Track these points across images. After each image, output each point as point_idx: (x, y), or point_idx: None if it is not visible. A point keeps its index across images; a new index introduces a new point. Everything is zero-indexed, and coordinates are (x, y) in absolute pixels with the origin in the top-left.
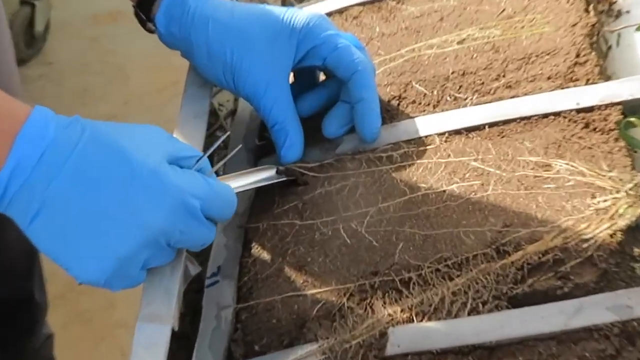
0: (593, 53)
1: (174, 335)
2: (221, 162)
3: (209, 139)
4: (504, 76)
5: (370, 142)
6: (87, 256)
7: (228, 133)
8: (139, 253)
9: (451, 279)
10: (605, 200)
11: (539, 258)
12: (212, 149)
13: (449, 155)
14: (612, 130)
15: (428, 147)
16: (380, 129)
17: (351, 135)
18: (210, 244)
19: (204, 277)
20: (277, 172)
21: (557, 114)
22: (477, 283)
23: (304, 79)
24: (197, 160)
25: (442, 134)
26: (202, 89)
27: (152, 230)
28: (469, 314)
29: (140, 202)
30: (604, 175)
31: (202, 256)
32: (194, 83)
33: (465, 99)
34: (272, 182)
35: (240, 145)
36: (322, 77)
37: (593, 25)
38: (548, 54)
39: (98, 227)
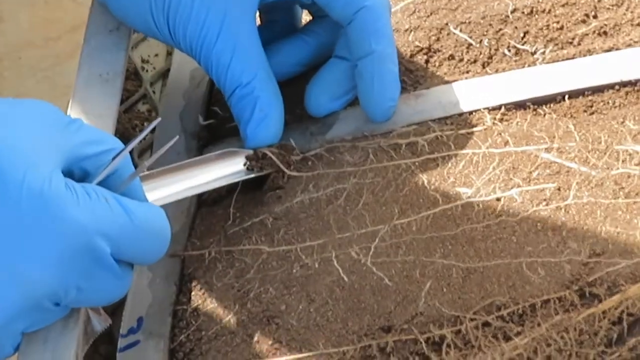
0: None
1: None
2: (147, 161)
3: (127, 114)
4: (595, 16)
5: (381, 122)
6: None
7: (158, 120)
8: (13, 322)
9: (508, 339)
10: None
11: None
12: (134, 142)
13: (506, 143)
14: None
15: (474, 129)
16: (398, 101)
17: (350, 111)
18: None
19: (117, 335)
20: (246, 162)
21: None
22: (548, 345)
23: (277, 21)
24: (111, 160)
25: (496, 108)
26: (114, 37)
27: (33, 291)
28: None
29: (16, 248)
30: None
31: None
32: (101, 28)
33: (534, 52)
34: (234, 180)
35: (177, 137)
36: (305, 18)
37: None
38: None
39: None
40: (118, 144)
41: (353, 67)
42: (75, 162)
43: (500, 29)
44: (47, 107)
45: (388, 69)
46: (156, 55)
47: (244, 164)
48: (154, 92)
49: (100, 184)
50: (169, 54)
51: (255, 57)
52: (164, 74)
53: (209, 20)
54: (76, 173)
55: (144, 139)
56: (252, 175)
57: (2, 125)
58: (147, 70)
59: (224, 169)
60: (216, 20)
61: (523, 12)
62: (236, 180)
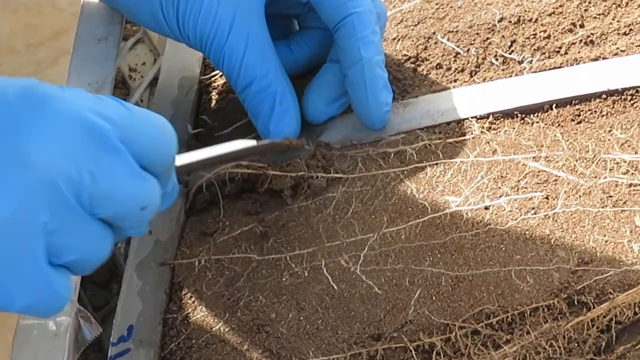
0: None
1: None
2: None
3: None
4: (581, 26)
5: (374, 129)
6: None
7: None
8: (30, 208)
9: (497, 347)
10: None
11: (635, 314)
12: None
13: (494, 152)
14: None
15: (462, 138)
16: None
17: (338, 119)
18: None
19: (107, 344)
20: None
21: None
22: (537, 353)
23: (274, 28)
24: None
25: (484, 117)
26: (102, 46)
27: (38, 166)
28: None
29: (7, 128)
30: None
31: (103, 310)
32: (90, 37)
33: (521, 61)
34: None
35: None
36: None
37: None
38: None
39: None
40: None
41: (344, 74)
42: None
43: (488, 38)
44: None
45: (378, 74)
46: (144, 63)
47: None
48: (141, 100)
49: None
50: (156, 62)
51: (269, 51)
52: (152, 83)
53: (221, 13)
54: None
55: None
56: (259, 144)
57: None
58: (134, 79)
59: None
60: (228, 13)
61: (510, 21)
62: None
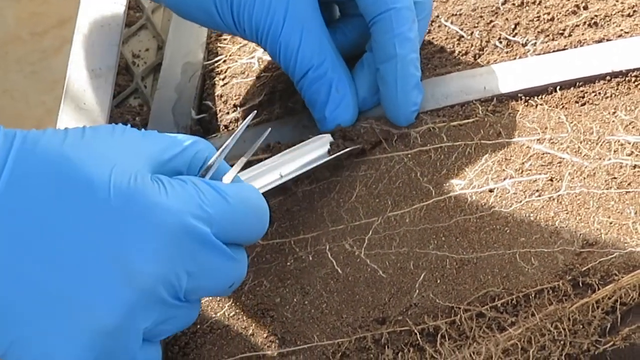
0: None
1: None
2: (239, 163)
3: (118, 109)
4: (585, 7)
5: (402, 125)
6: (53, 336)
7: (254, 113)
8: (132, 319)
9: (502, 330)
10: None
11: None
12: (235, 135)
13: (498, 134)
14: None
15: (466, 121)
16: None
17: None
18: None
19: None
20: (333, 143)
21: None
22: (542, 335)
23: None
24: (205, 163)
25: (489, 99)
26: (105, 32)
27: (144, 282)
28: None
29: (114, 244)
30: None
31: None
32: (92, 23)
33: (525, 44)
34: (318, 163)
35: (269, 129)
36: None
37: None
38: None
39: (56, 293)
40: (203, 142)
41: (376, 70)
42: (161, 165)
43: (491, 21)
44: (123, 126)
45: (411, 73)
46: (147, 49)
47: (331, 146)
48: (145, 86)
49: None
50: (160, 48)
51: (325, 38)
52: (155, 69)
53: (274, 4)
54: (167, 175)
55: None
56: (335, 156)
57: (89, 144)
58: (138, 65)
59: (309, 156)
60: (282, 3)
61: (514, 4)
62: (320, 162)
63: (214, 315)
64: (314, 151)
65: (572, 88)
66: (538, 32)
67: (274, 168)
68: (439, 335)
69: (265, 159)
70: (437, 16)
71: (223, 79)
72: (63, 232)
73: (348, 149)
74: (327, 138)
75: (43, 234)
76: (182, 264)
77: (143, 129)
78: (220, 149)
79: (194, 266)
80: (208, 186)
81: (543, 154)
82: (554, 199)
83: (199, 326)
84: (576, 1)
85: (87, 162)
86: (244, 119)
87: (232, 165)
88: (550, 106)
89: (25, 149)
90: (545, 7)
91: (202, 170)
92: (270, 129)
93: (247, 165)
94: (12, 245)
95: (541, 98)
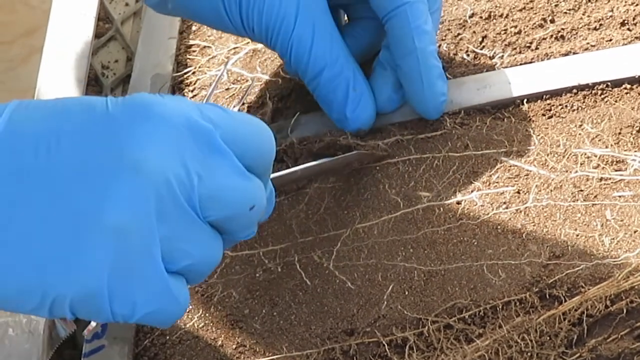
0: None
1: None
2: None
3: None
4: (552, 21)
5: (433, 118)
6: (67, 242)
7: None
8: (147, 215)
9: (470, 341)
10: None
11: (607, 307)
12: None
13: (466, 147)
14: None
15: (433, 133)
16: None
17: (311, 115)
18: None
19: (81, 341)
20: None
21: (636, 81)
22: (509, 347)
23: None
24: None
25: (456, 113)
26: (75, 43)
27: (151, 172)
28: None
29: (116, 143)
30: None
31: None
32: (61, 34)
33: (492, 57)
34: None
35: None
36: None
37: None
38: None
39: (74, 186)
40: None
41: (394, 67)
42: None
43: (459, 34)
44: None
45: (433, 64)
46: (116, 61)
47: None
48: (115, 96)
49: None
50: (129, 59)
51: (336, 37)
52: (125, 80)
53: (285, 3)
54: None
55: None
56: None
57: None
58: (107, 76)
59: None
60: (292, 3)
61: (481, 17)
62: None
63: (183, 327)
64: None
65: (539, 101)
66: (505, 45)
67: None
68: (407, 347)
69: None
70: None
71: (192, 91)
72: (65, 149)
73: (351, 154)
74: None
75: (46, 157)
76: (190, 161)
77: None
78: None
79: (203, 168)
80: (208, 104)
81: (510, 166)
82: (521, 211)
83: (168, 337)
84: (543, 14)
85: (83, 98)
86: None
87: None
88: (517, 119)
89: (22, 102)
90: (512, 20)
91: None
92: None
93: None
94: (17, 178)
95: (508, 111)
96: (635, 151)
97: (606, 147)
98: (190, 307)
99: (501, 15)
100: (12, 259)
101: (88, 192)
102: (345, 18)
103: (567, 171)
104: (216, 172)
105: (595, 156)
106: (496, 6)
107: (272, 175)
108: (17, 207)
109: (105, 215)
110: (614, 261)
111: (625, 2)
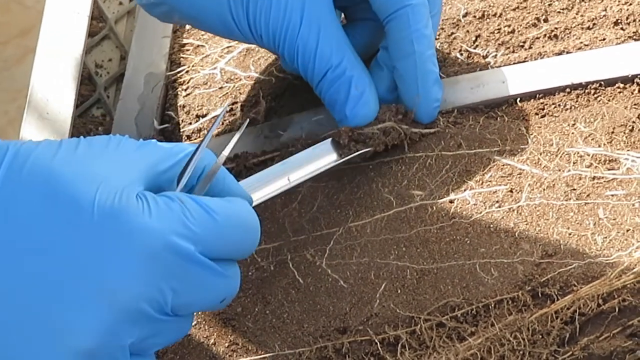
0: None
1: None
2: (225, 152)
3: (81, 119)
4: (545, 20)
5: (425, 122)
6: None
7: (225, 106)
8: (114, 336)
9: (462, 340)
10: None
11: (599, 305)
12: (207, 138)
13: (459, 146)
14: None
15: (427, 131)
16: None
17: (304, 115)
18: None
19: None
20: (345, 147)
21: (629, 80)
22: (502, 345)
23: None
24: (188, 164)
25: (449, 112)
26: (68, 42)
27: (123, 301)
28: None
29: (96, 264)
30: None
31: None
32: (54, 33)
33: (485, 56)
34: (328, 167)
35: (248, 120)
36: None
37: None
38: None
39: (37, 308)
40: (192, 147)
41: (392, 69)
42: (156, 177)
43: (452, 33)
44: (119, 137)
45: (430, 69)
46: (110, 60)
47: (341, 149)
48: (108, 96)
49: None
50: (123, 58)
51: (341, 37)
52: (118, 79)
53: (290, 7)
54: (162, 187)
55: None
56: (346, 159)
57: (75, 152)
58: (101, 75)
59: (317, 161)
60: (297, 5)
61: (475, 16)
62: (330, 166)
63: None
64: (323, 156)
65: (532, 100)
66: (499, 44)
67: (282, 173)
68: (400, 345)
69: (233, 168)
70: None
71: (185, 90)
72: (46, 250)
73: (359, 152)
74: (328, 142)
75: (28, 251)
76: (165, 281)
77: (141, 139)
78: (193, 160)
79: (179, 283)
80: (194, 203)
81: (503, 165)
82: (513, 210)
83: None
84: (536, 14)
85: (75, 179)
86: (206, 129)
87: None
88: (510, 118)
89: (16, 163)
90: (505, 19)
91: (180, 182)
92: (248, 120)
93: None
94: None
95: (502, 110)
96: (628, 150)
97: (599, 146)
98: None
99: (495, 15)
100: None
101: (58, 313)
102: (342, 18)
103: (560, 170)
104: (193, 283)
105: (588, 155)
106: (490, 5)
107: (270, 195)
108: None
109: (74, 338)
110: (607, 260)
111: (619, 1)
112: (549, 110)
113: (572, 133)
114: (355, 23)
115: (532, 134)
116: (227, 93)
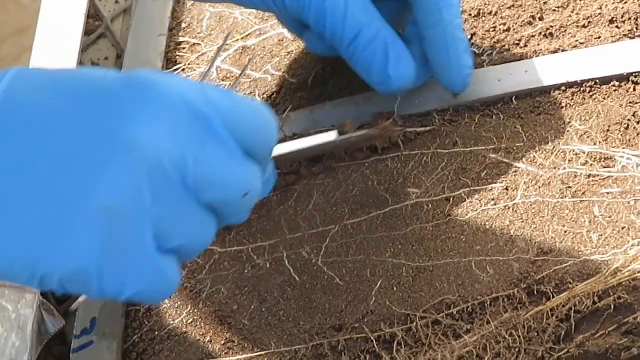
0: None
1: None
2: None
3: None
4: (541, 18)
5: (459, 93)
6: (53, 230)
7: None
8: (138, 195)
9: (458, 337)
10: None
11: (594, 303)
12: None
13: (455, 144)
14: None
15: (422, 129)
16: (347, 101)
17: (300, 112)
18: None
19: (70, 336)
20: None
21: (624, 79)
22: (497, 342)
23: None
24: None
25: (444, 110)
26: (65, 41)
27: (144, 151)
28: None
29: (112, 118)
30: None
31: (66, 303)
32: (51, 32)
33: (481, 54)
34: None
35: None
36: None
37: None
38: None
39: (64, 166)
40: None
41: (420, 40)
42: None
43: None
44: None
45: (460, 37)
46: (106, 58)
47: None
48: None
49: None
50: (119, 57)
51: (369, 2)
52: None
53: None
54: None
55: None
56: (346, 137)
57: None
58: None
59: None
60: None
61: (470, 14)
62: (330, 142)
63: (172, 322)
64: (324, 136)
65: (527, 98)
66: (494, 42)
67: (289, 146)
68: (396, 343)
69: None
70: None
71: None
72: (60, 125)
73: (360, 133)
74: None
75: (39, 133)
76: (186, 144)
77: None
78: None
79: (200, 152)
80: (209, 85)
81: (499, 163)
82: (509, 208)
83: (157, 333)
84: (532, 12)
85: (85, 70)
86: None
87: None
88: (506, 116)
89: (22, 70)
90: (501, 17)
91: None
92: (249, 57)
93: None
94: (9, 153)
95: (497, 108)
96: (623, 148)
97: (594, 144)
98: (179, 303)
99: (490, 13)
100: (1, 234)
101: (80, 172)
102: None
103: (555, 168)
104: (213, 157)
105: (584, 153)
106: (485, 4)
107: (274, 154)
108: (8, 182)
109: (96, 196)
110: (602, 257)
111: (614, 0)
112: (544, 109)
113: (568, 131)
114: (379, 3)
115: (527, 132)
116: None
